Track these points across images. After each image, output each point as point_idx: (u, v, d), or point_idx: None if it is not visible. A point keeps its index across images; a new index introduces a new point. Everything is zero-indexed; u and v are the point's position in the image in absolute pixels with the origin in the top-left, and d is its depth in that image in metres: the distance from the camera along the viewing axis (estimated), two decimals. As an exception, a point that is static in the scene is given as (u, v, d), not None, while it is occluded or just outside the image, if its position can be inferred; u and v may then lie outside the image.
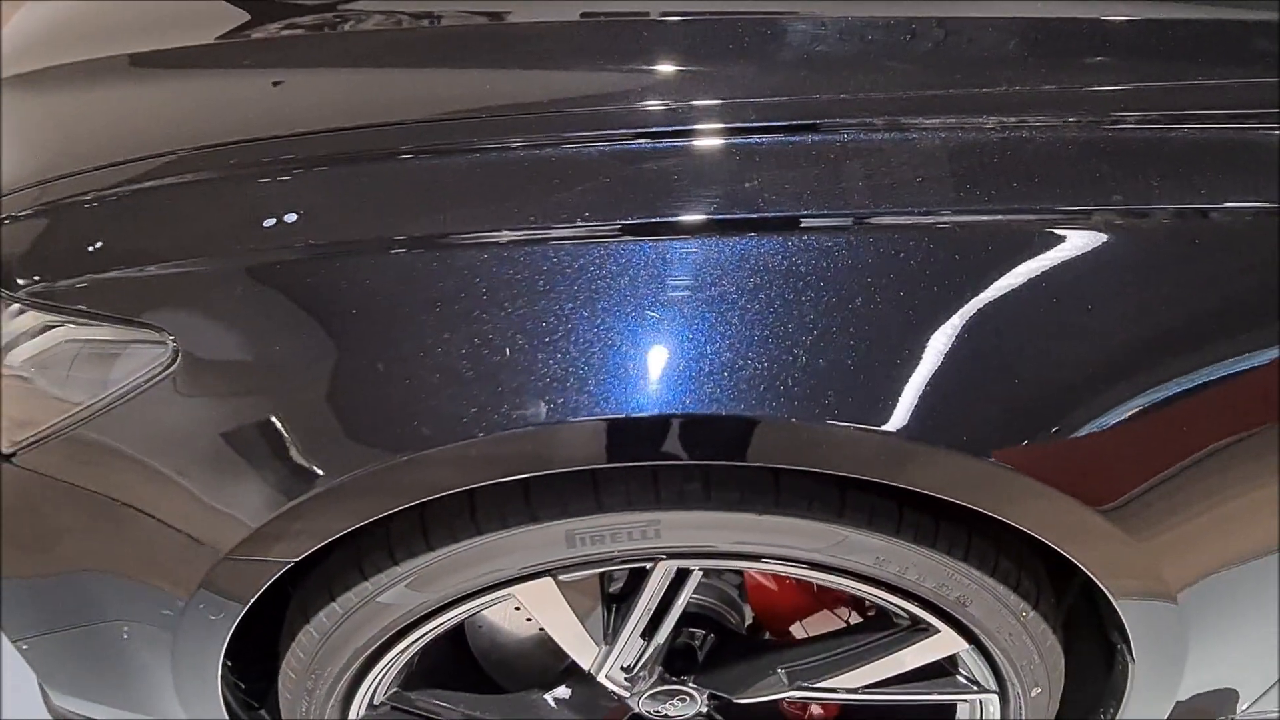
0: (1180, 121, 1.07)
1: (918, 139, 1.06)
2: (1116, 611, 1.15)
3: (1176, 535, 1.09)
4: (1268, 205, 1.03)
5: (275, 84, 1.27)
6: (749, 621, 1.45)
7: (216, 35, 1.39)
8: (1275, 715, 1.42)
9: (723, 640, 1.39)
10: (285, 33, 1.41)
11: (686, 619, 1.36)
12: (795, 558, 1.11)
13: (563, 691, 1.40)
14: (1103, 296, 1.01)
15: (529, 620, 1.42)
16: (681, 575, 1.18)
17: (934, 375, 0.97)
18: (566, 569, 1.12)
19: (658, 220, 1.02)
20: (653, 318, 0.98)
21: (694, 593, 1.31)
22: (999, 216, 1.01)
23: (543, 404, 0.96)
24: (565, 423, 0.97)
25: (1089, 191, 1.03)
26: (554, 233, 1.01)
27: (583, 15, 1.33)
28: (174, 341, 1.02)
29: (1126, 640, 1.19)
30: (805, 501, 1.06)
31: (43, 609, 1.24)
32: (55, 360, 1.08)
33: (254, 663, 1.32)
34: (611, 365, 0.97)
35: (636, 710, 1.37)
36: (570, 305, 0.98)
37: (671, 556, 1.13)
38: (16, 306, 1.08)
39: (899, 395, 0.97)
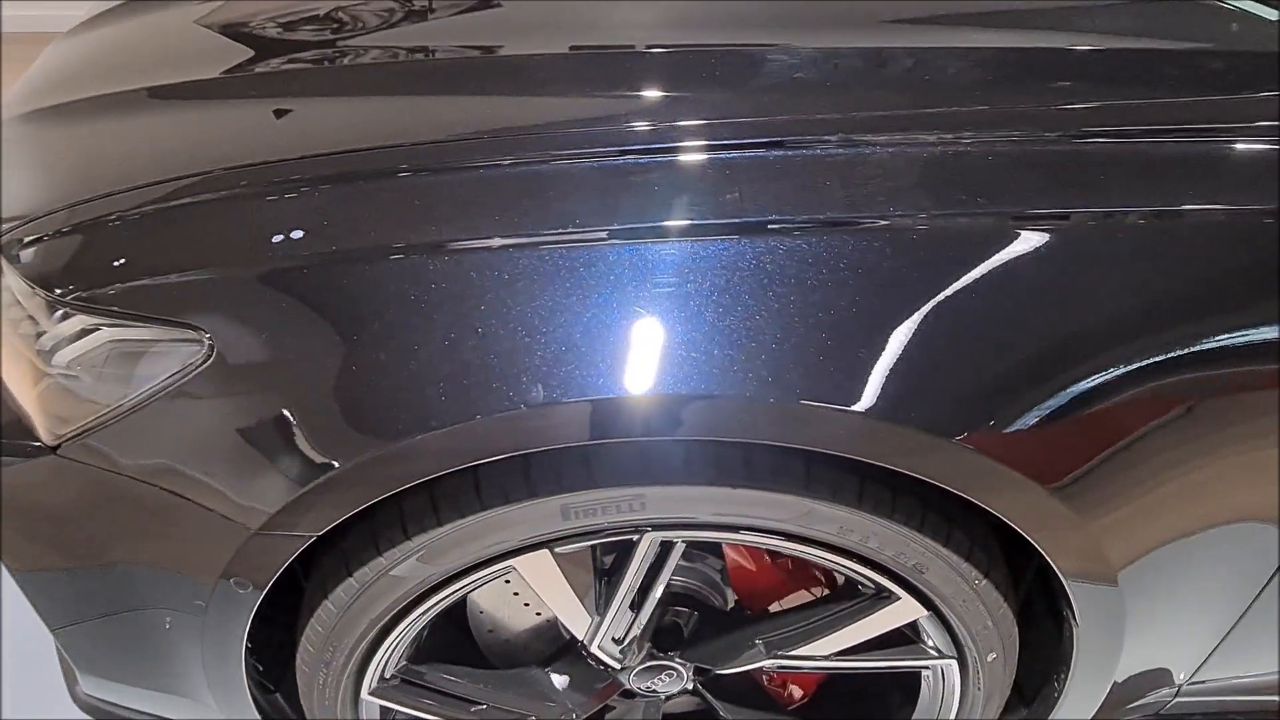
0: (1113, 136, 1.17)
1: (873, 153, 1.14)
2: (1063, 583, 1.24)
3: (1118, 517, 1.17)
4: (1201, 208, 1.12)
5: (282, 112, 1.35)
6: (730, 604, 1.52)
7: (224, 70, 1.49)
8: (1213, 684, 1.50)
9: (706, 619, 1.47)
10: (288, 66, 1.51)
11: (672, 599, 1.45)
12: (767, 528, 1.19)
13: (559, 669, 1.46)
14: (1046, 292, 1.08)
15: (526, 605, 1.50)
16: (665, 549, 1.26)
17: (897, 362, 1.06)
18: (562, 541, 1.21)
19: (643, 225, 1.10)
20: (639, 311, 1.06)
21: (679, 575, 1.40)
22: (947, 221, 1.10)
23: (539, 387, 1.05)
24: (558, 404, 1.05)
25: (1026, 197, 1.12)
26: (545, 238, 1.09)
27: (571, 48, 1.42)
28: (210, 339, 1.10)
29: (1071, 607, 1.27)
30: (773, 476, 1.15)
31: (82, 597, 1.30)
32: (95, 360, 1.16)
33: (270, 651, 1.40)
34: (597, 353, 1.05)
35: (627, 686, 1.43)
36: (562, 301, 1.06)
37: (656, 528, 1.21)
38: (62, 311, 1.16)
39: (865, 379, 1.05)
